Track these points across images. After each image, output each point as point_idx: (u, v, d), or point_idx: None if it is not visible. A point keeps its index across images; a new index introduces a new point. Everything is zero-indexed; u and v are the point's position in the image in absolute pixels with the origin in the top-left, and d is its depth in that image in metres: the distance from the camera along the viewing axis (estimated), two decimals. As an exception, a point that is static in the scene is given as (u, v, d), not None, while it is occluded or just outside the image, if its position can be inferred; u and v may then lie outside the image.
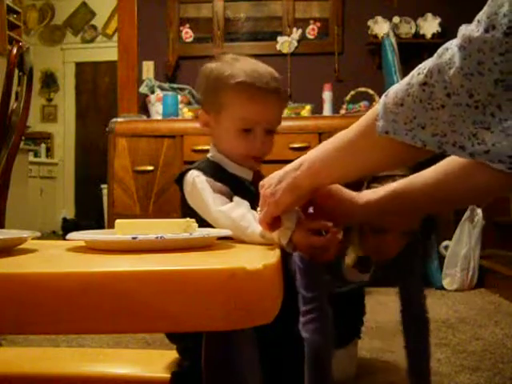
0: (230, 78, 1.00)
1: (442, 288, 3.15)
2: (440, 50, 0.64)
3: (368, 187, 1.37)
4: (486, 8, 0.59)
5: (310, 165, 0.78)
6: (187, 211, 0.98)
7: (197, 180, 0.97)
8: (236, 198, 0.94)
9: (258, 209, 0.83)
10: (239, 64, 1.02)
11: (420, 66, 0.67)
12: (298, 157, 0.82)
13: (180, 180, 1.02)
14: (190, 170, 1.01)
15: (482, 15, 0.59)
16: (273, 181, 0.82)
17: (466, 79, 0.59)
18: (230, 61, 1.03)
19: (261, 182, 0.85)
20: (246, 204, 0.91)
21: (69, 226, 5.57)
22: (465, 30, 0.61)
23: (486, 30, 0.57)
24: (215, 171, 1.01)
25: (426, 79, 0.64)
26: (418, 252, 1.51)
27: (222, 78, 1.01)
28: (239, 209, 0.88)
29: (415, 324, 1.47)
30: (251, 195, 0.98)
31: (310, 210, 0.84)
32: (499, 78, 0.57)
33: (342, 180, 0.84)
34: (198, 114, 1.08)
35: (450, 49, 0.62)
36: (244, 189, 1.00)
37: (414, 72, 0.67)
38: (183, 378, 0.99)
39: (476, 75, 0.58)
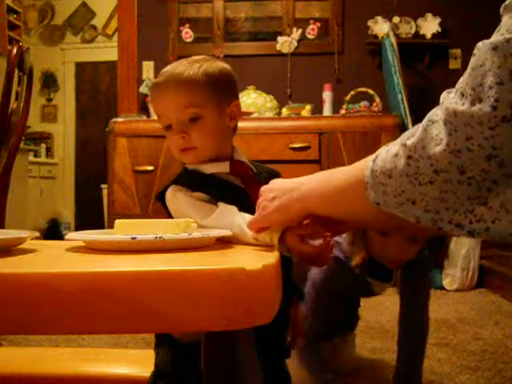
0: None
1: (442, 288, 3.15)
2: (425, 122, 0.60)
3: None
4: (467, 78, 0.56)
5: (304, 195, 0.77)
6: None
7: (174, 198, 0.94)
8: (221, 204, 0.91)
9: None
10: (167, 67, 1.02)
11: (410, 130, 0.63)
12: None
13: (162, 197, 0.98)
14: (169, 186, 0.97)
15: (464, 86, 0.56)
16: (270, 194, 0.81)
17: (455, 156, 0.56)
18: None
19: (261, 189, 0.84)
20: (232, 209, 0.89)
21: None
22: (448, 102, 0.58)
23: (473, 103, 0.54)
24: (193, 179, 0.97)
25: (410, 153, 0.60)
26: (428, 263, 1.51)
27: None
28: (227, 215, 0.87)
29: (412, 335, 1.48)
30: (235, 189, 0.96)
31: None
32: (492, 153, 0.54)
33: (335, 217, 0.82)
34: None
35: (437, 123, 0.59)
36: (226, 186, 0.97)
37: (403, 139, 0.63)
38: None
39: (465, 151, 0.55)
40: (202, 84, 0.96)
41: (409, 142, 0.61)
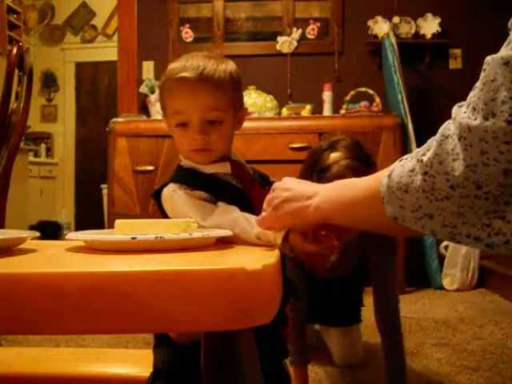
0: (162, 78, 0.99)
1: (441, 288, 3.15)
2: (439, 137, 0.61)
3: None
4: (478, 93, 0.56)
5: (320, 205, 0.77)
6: None
7: (175, 196, 0.92)
8: (221, 204, 0.91)
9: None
10: (178, 61, 0.98)
11: (424, 146, 0.63)
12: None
13: (158, 195, 0.96)
14: (166, 184, 0.96)
15: (476, 101, 0.56)
16: (283, 193, 0.81)
17: (471, 171, 0.56)
18: (178, 60, 0.99)
19: (274, 185, 0.84)
20: (234, 208, 0.89)
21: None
22: (460, 117, 0.58)
23: (486, 118, 0.54)
24: (191, 177, 0.95)
25: (427, 169, 0.61)
26: (389, 253, 1.60)
27: (160, 81, 1.00)
28: (229, 214, 0.86)
29: (386, 325, 1.59)
30: (235, 190, 0.95)
31: None
32: (508, 167, 0.54)
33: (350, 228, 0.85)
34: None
35: (451, 137, 0.59)
36: (226, 186, 0.96)
37: (419, 155, 0.63)
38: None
39: (481, 166, 0.55)
40: (230, 88, 0.96)
41: (425, 158, 0.61)
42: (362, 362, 1.88)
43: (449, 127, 0.60)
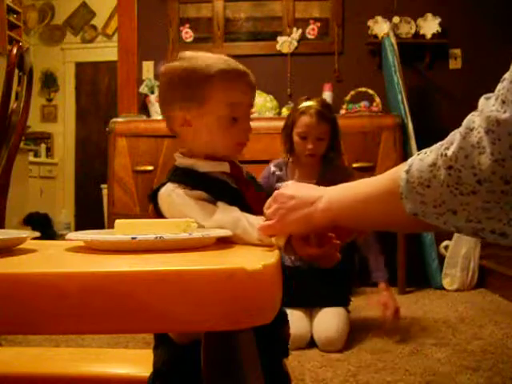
0: (210, 68, 0.96)
1: (442, 288, 3.15)
2: (463, 130, 0.59)
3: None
4: (507, 85, 0.55)
5: (327, 205, 0.76)
6: None
7: (174, 195, 0.91)
8: (221, 204, 0.90)
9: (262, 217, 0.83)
10: (205, 56, 0.98)
11: (446, 139, 0.61)
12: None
13: (154, 196, 0.95)
14: (163, 185, 0.94)
15: (505, 93, 0.55)
16: (289, 202, 0.79)
17: (499, 165, 0.54)
18: (194, 55, 0.99)
19: (277, 193, 0.83)
20: (234, 209, 0.88)
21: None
22: (488, 110, 0.56)
23: None
24: (189, 177, 0.95)
25: (451, 163, 0.59)
26: None
27: (199, 70, 0.96)
28: (230, 215, 0.86)
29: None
30: (231, 190, 0.95)
31: None
32: None
33: (359, 228, 0.84)
34: (171, 116, 1.02)
35: (476, 130, 0.57)
36: (223, 186, 0.95)
37: (441, 148, 0.61)
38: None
39: (509, 160, 0.54)
40: None
41: (449, 152, 0.60)
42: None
43: (473, 119, 0.58)
